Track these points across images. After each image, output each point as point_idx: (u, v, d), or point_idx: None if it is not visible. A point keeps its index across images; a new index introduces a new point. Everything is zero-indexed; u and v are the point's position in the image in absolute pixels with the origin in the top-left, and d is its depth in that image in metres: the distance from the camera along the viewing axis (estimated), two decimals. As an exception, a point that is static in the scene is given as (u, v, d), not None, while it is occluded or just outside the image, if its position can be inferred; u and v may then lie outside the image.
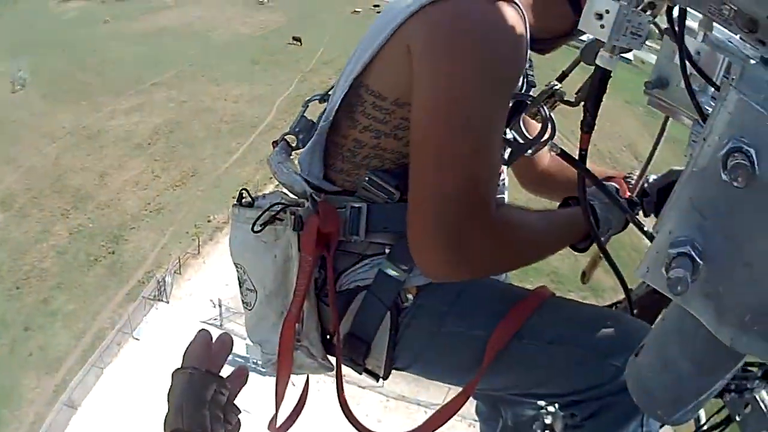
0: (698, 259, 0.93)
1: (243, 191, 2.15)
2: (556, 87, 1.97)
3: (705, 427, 2.13)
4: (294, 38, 53.56)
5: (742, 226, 0.92)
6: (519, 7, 1.76)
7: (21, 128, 38.80)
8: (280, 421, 2.33)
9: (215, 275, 28.08)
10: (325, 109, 2.08)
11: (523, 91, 2.02)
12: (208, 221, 32.93)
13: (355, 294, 2.07)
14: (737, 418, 2.64)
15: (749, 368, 2.04)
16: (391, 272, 2.00)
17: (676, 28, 1.42)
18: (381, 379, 2.22)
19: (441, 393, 22.75)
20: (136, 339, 26.75)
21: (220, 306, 26.54)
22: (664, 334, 1.23)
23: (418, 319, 2.05)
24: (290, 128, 2.18)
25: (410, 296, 2.02)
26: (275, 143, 2.18)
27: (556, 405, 2.17)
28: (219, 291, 26.42)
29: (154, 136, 40.54)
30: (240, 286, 2.22)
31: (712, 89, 1.75)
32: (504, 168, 2.20)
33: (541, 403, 2.29)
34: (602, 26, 1.35)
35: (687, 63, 1.46)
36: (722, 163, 0.87)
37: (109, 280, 30.53)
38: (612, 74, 1.49)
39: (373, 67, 1.88)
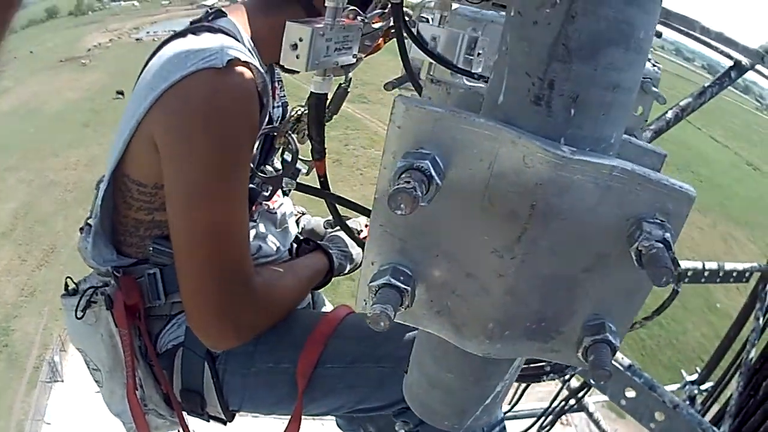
0: (404, 286, 0.87)
1: (67, 279, 2.21)
2: (300, 111, 1.94)
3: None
4: (117, 92, 55.32)
5: (447, 238, 0.87)
6: (249, 64, 1.78)
7: None
8: None
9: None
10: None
11: (275, 123, 2.09)
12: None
13: (175, 352, 2.17)
14: (592, 381, 2.79)
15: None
16: None
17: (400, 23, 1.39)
18: (228, 423, 2.34)
19: None
20: (48, 423, 25.93)
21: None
22: (418, 353, 1.18)
23: (231, 363, 2.15)
24: (91, 212, 2.17)
25: None
26: (81, 229, 2.17)
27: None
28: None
29: (14, 221, 40.22)
30: (88, 368, 2.30)
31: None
32: (282, 204, 2.35)
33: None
34: (298, 56, 1.27)
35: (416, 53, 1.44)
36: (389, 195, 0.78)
37: (10, 372, 30.42)
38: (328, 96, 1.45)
39: (128, 158, 1.91)
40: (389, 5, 1.45)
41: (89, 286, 2.11)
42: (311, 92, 1.41)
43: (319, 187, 1.78)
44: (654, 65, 2.08)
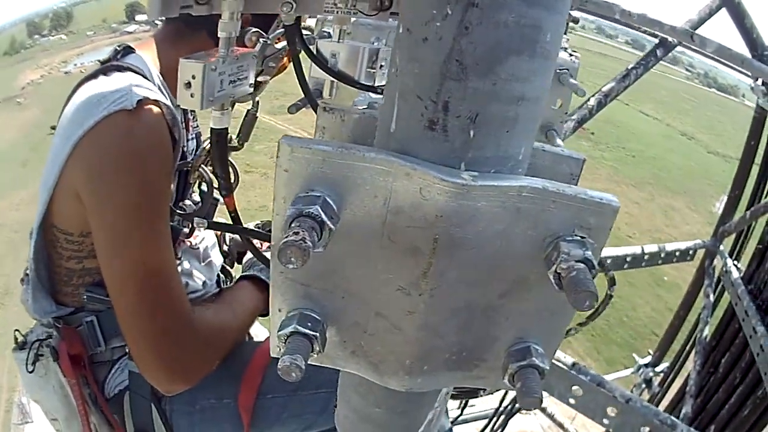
0: (312, 332, 0.84)
1: (15, 333, 2.23)
2: (205, 147, 1.92)
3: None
4: (52, 127, 52.69)
5: (350, 280, 0.83)
6: (158, 102, 1.81)
7: None
8: None
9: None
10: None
11: (189, 156, 2.12)
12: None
13: (123, 396, 2.17)
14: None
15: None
16: (136, 369, 2.03)
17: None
18: None
19: None
20: (26, 464, 25.90)
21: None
22: (344, 389, 1.15)
23: (175, 403, 2.16)
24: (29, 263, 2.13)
25: None
26: (22, 280, 2.16)
27: None
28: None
29: None
30: (47, 417, 2.32)
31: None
32: (204, 239, 2.40)
33: None
34: (192, 95, 1.21)
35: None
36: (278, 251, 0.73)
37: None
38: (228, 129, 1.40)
39: (53, 208, 1.93)
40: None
41: (35, 339, 2.11)
42: (211, 128, 1.36)
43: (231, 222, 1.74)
44: (571, 54, 2.05)
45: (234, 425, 2.16)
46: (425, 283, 0.79)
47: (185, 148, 2.15)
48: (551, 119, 2.04)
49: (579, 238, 0.77)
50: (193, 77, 1.19)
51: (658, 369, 6.98)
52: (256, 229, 1.62)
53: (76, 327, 2.08)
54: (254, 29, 1.54)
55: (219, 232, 2.66)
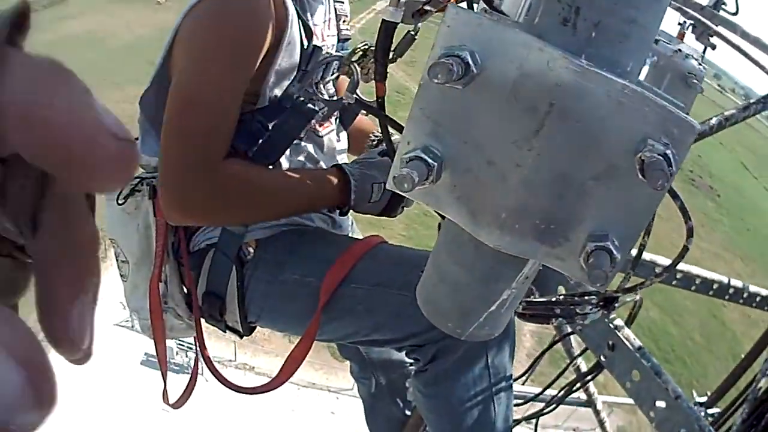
0: (431, 161, 0.99)
1: None
2: (367, 46, 2.02)
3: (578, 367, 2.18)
4: None
5: (475, 125, 0.99)
6: None
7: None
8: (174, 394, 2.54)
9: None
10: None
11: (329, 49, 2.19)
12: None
13: (206, 253, 2.26)
14: (602, 359, 2.75)
15: (587, 296, 2.14)
16: (231, 228, 2.14)
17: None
18: (244, 336, 2.38)
19: (350, 379, 23.24)
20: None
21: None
22: (437, 245, 1.28)
23: (259, 271, 2.20)
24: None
25: (251, 249, 2.16)
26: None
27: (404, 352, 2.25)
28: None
29: None
30: (116, 260, 2.38)
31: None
32: (332, 132, 2.41)
33: (409, 360, 2.36)
34: None
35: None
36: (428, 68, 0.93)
37: (29, 294, 30.19)
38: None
39: (169, 63, 2.07)
40: None
41: (135, 176, 2.20)
42: (382, 20, 1.50)
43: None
44: (699, 64, 2.10)
45: (307, 305, 2.17)
46: (536, 140, 0.95)
47: (312, 28, 2.14)
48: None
49: (664, 142, 0.93)
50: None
51: (710, 411, 6.91)
52: (394, 119, 1.72)
53: None
54: None
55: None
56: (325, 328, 2.19)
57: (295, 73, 2.12)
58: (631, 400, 2.68)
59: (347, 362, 3.15)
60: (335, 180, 2.23)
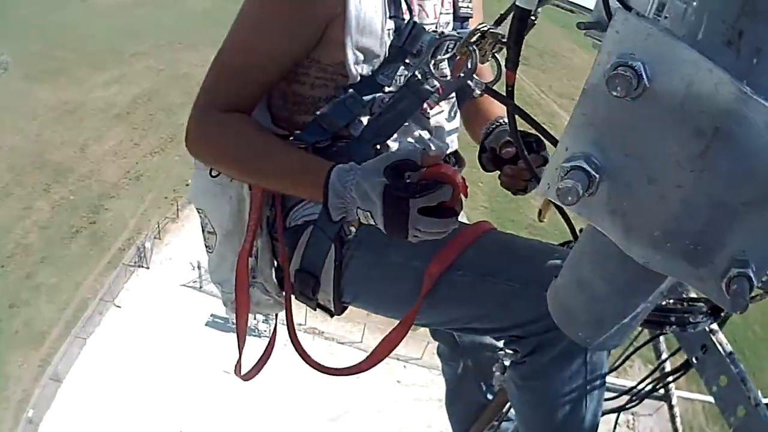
0: (593, 173, 0.98)
1: None
2: (486, 28, 1.95)
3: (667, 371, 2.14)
4: None
5: (640, 140, 0.98)
6: None
7: (1, 111, 37.92)
8: (246, 367, 2.48)
9: (194, 239, 28.34)
10: None
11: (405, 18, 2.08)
12: (187, 185, 32.41)
13: (304, 229, 2.15)
14: (694, 361, 2.70)
15: (695, 303, 2.11)
16: None
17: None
18: (334, 315, 2.29)
19: (419, 348, 23.71)
20: (118, 307, 27.07)
21: (199, 268, 26.86)
22: (578, 254, 1.27)
23: (361, 251, 2.11)
24: None
25: (353, 229, 2.08)
26: None
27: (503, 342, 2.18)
28: (198, 254, 26.01)
29: (133, 105, 40.29)
30: (202, 231, 2.36)
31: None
32: (445, 110, 2.32)
33: (500, 344, 2.32)
34: None
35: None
36: (607, 78, 0.92)
37: (91, 250, 30.62)
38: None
39: None
40: None
41: None
42: (516, 5, 1.46)
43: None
44: None
45: (410, 290, 2.05)
46: (699, 163, 0.94)
47: (422, 2, 2.11)
48: None
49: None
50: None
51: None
52: (524, 110, 1.65)
53: None
54: None
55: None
56: (426, 313, 2.10)
57: (387, 52, 2.05)
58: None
59: (418, 330, 3.00)
60: (315, 181, 1.92)
